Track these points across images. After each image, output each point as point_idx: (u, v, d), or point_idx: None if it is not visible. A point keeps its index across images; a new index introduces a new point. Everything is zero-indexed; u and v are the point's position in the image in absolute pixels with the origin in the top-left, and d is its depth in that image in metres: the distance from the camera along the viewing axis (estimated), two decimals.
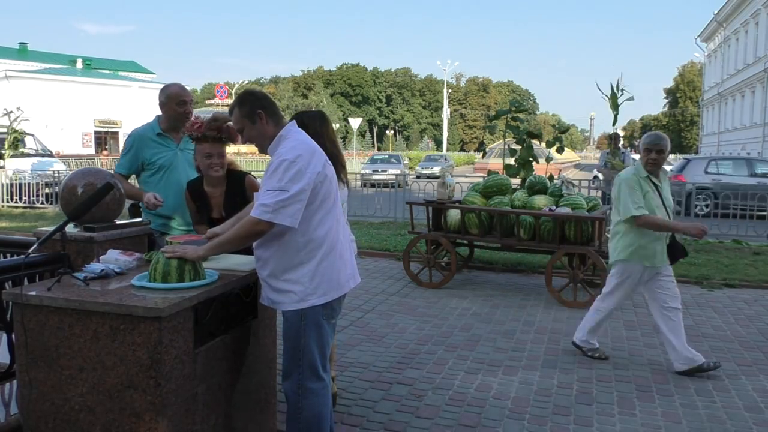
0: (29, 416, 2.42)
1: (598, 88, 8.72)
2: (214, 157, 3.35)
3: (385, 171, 23.31)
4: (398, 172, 20.50)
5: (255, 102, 2.65)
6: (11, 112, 15.79)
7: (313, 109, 3.64)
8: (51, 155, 16.88)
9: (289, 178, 2.48)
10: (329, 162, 2.72)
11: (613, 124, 9.06)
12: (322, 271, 2.62)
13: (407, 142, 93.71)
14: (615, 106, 8.57)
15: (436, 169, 28.84)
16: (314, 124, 3.28)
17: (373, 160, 29.24)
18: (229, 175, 3.50)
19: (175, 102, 3.86)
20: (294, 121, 2.83)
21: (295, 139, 2.63)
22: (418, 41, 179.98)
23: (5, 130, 16.05)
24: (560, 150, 8.48)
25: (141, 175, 3.93)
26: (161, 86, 4.11)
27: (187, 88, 4.02)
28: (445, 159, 35.38)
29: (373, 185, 16.54)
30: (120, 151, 4.25)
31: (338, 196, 2.77)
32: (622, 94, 8.61)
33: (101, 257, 2.76)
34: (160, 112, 3.96)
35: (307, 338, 2.63)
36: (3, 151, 15.35)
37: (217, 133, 3.32)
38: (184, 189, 3.59)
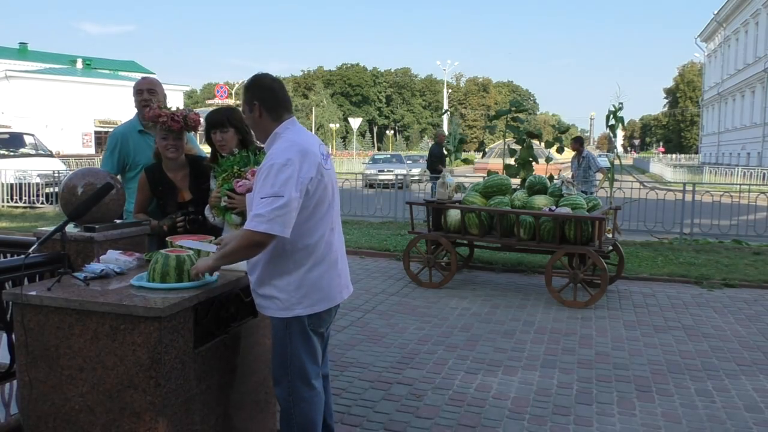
0: (29, 416, 2.42)
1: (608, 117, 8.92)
2: (170, 138, 3.39)
3: (392, 171, 21.33)
4: (404, 171, 19.93)
5: (255, 91, 2.58)
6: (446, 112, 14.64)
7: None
8: (51, 155, 16.86)
9: (282, 182, 2.37)
10: (327, 164, 2.61)
11: (614, 137, 9.58)
12: (311, 281, 2.52)
13: (407, 142, 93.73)
14: (614, 128, 8.91)
15: (416, 171, 24.02)
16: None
17: (375, 160, 27.89)
18: (191, 160, 3.55)
19: (134, 93, 3.81)
20: (293, 118, 2.69)
21: (286, 139, 2.52)
22: (418, 41, 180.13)
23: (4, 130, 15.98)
24: (560, 150, 8.50)
25: (125, 175, 3.83)
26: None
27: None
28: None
29: (372, 185, 16.12)
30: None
31: (335, 200, 2.67)
32: (621, 108, 8.74)
33: (101, 257, 2.76)
34: None
35: (293, 346, 2.57)
36: None
37: (178, 125, 3.35)
38: None
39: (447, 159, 12.68)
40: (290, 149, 2.46)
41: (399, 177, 14.87)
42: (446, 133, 13.38)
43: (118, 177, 3.89)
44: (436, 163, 13.03)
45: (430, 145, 16.63)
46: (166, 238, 3.02)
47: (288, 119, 2.62)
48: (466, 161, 9.48)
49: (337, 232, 2.69)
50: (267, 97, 2.58)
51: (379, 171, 21.97)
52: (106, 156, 3.87)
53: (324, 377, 2.82)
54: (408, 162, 27.24)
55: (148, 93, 3.79)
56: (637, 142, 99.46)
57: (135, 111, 3.93)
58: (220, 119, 3.26)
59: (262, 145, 3.36)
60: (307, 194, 2.46)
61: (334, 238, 2.64)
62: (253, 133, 3.38)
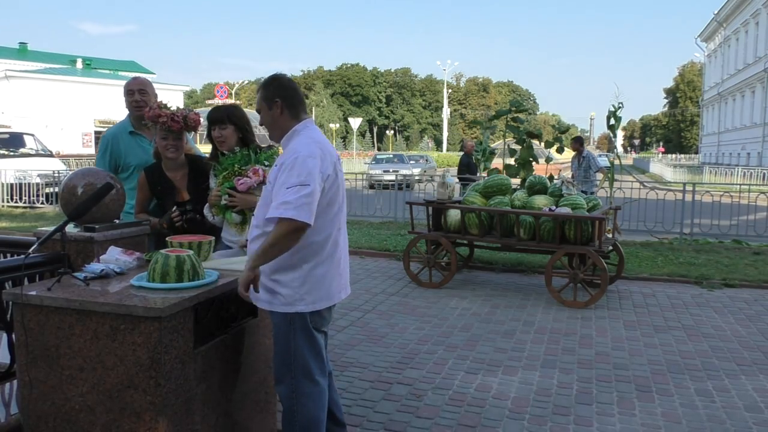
0: (29, 416, 2.42)
1: (608, 118, 8.84)
2: (170, 138, 3.39)
3: (397, 171, 20.18)
4: (409, 171, 19.66)
5: (276, 89, 2.61)
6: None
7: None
8: (51, 155, 16.86)
9: (307, 173, 2.41)
10: (340, 166, 2.65)
11: (614, 137, 9.62)
12: (314, 279, 2.54)
13: (407, 142, 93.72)
14: (613, 128, 8.85)
15: (416, 171, 22.40)
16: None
17: (377, 160, 27.33)
18: (190, 159, 3.55)
19: (125, 94, 3.80)
20: (311, 118, 2.74)
21: (307, 136, 2.58)
22: (418, 41, 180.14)
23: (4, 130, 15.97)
24: (560, 150, 8.50)
25: (117, 176, 3.72)
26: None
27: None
28: (426, 160, 29.50)
29: (372, 186, 15.99)
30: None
31: (344, 202, 2.69)
32: (621, 108, 8.70)
33: (101, 257, 2.76)
34: None
35: (297, 343, 2.57)
36: None
37: (178, 126, 3.35)
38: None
39: (476, 168, 12.76)
40: (312, 145, 2.52)
41: (400, 177, 14.85)
42: (471, 141, 13.71)
43: None
44: (464, 171, 13.19)
45: (430, 145, 16.70)
46: (167, 239, 3.02)
47: (306, 118, 2.68)
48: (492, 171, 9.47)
49: (343, 233, 2.72)
50: (289, 95, 2.63)
51: (384, 171, 21.61)
52: (98, 158, 3.88)
53: (328, 374, 2.82)
54: (410, 162, 26.98)
55: (139, 94, 3.78)
56: (637, 142, 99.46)
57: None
58: (220, 116, 3.31)
59: (264, 145, 3.37)
60: (323, 191, 2.49)
61: (340, 238, 2.67)
62: (253, 131, 3.39)
